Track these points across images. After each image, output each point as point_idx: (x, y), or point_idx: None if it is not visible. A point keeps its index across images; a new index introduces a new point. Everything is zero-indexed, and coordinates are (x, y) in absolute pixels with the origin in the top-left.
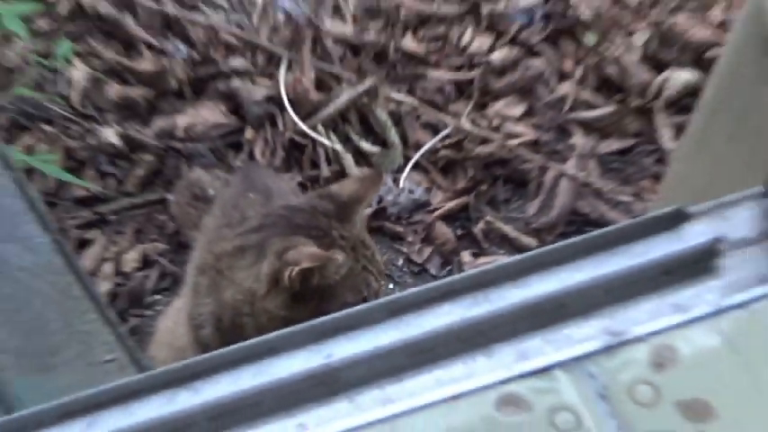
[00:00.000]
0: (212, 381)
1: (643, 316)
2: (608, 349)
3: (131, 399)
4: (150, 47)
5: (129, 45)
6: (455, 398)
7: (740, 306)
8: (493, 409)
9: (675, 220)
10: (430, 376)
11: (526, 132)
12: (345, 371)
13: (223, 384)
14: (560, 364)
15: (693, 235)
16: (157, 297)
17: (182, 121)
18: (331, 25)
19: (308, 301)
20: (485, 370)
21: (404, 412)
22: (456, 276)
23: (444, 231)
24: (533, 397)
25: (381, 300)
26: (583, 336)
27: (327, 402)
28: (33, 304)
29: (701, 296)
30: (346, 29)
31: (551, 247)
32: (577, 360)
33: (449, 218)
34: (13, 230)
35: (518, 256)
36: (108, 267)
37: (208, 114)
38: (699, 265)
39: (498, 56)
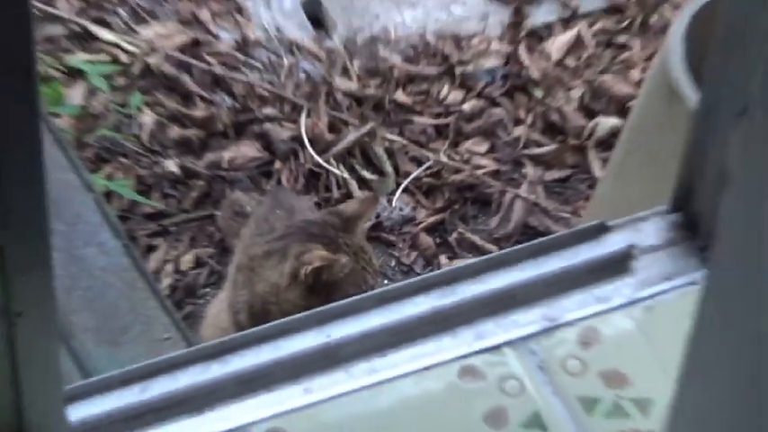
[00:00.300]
0: (238, 355)
1: (573, 305)
2: (545, 331)
3: (176, 369)
4: (202, 98)
5: (186, 97)
6: (426, 369)
7: (649, 298)
8: (456, 378)
9: (599, 231)
10: (407, 352)
11: (489, 164)
12: (342, 347)
13: (247, 357)
14: (508, 343)
15: (612, 243)
16: (206, 290)
17: (226, 155)
18: (340, 82)
19: (320, 293)
20: (449, 347)
21: (387, 380)
22: (429, 274)
23: (426, 240)
24: (487, 369)
25: (370, 292)
26: (526, 321)
27: (327, 372)
28: (107, 294)
29: (618, 290)
30: (352, 85)
31: (503, 252)
32: (522, 340)
33: (430, 230)
34: (92, 238)
35: (476, 259)
36: (169, 267)
37: (246, 150)
38: (617, 265)
39: (468, 106)
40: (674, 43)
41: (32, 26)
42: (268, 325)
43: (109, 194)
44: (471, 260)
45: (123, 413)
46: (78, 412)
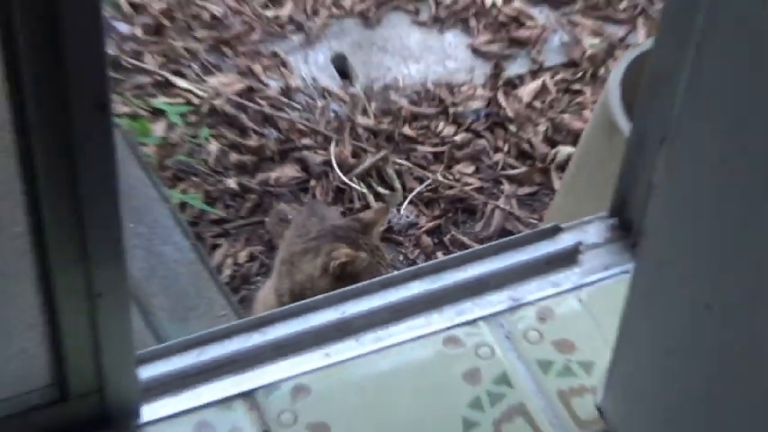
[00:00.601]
0: (274, 327)
1: (533, 289)
2: (511, 309)
3: (225, 337)
4: (255, 132)
5: (243, 131)
6: (419, 338)
7: (592, 283)
8: (441, 346)
9: (554, 231)
10: (404, 325)
11: (475, 182)
12: (354, 321)
13: (280, 329)
14: (482, 318)
15: (564, 240)
16: (257, 278)
17: (273, 175)
18: (361, 120)
19: (344, 282)
20: (437, 321)
21: (389, 346)
22: (422, 264)
23: (426, 240)
24: (466, 338)
25: (376, 279)
26: (496, 301)
27: (342, 340)
28: (178, 282)
29: (568, 277)
30: (369, 122)
31: (479, 247)
32: (493, 316)
33: (429, 232)
34: (168, 238)
35: (459, 253)
36: (229, 261)
37: (288, 171)
38: (567, 258)
39: (458, 138)
40: (613, 87)
41: (110, 80)
42: (297, 303)
43: (183, 205)
44: (455, 254)
45: (183, 372)
46: (148, 371)
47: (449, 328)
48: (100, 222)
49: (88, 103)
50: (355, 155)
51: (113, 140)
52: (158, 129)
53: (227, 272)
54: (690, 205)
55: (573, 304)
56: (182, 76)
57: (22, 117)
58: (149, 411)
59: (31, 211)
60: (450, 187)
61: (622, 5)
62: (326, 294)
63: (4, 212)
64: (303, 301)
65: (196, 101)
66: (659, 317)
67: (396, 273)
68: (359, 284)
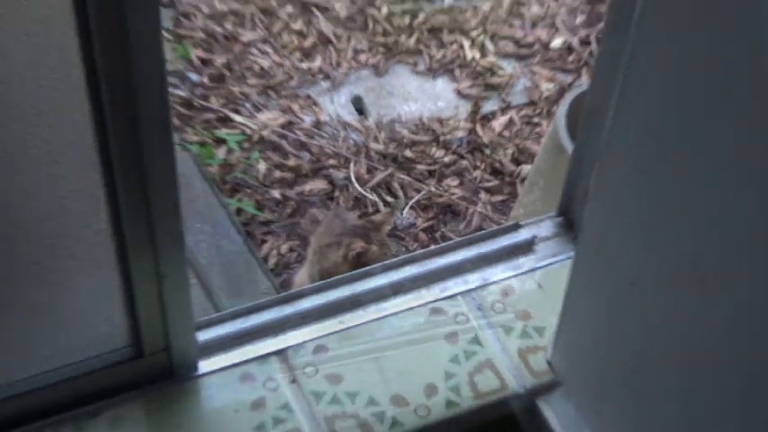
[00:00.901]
0: (301, 301)
1: (499, 272)
2: (482, 287)
3: (263, 309)
4: (293, 155)
5: (284, 154)
6: (412, 308)
7: (544, 267)
8: (428, 315)
9: (515, 227)
10: (400, 299)
11: (459, 192)
12: (362, 296)
13: (305, 302)
14: (460, 294)
15: (523, 234)
16: (295, 265)
17: (307, 187)
18: (373, 145)
19: (359, 268)
20: (425, 296)
21: (388, 315)
22: (415, 252)
23: (423, 236)
24: (447, 309)
25: (379, 264)
26: (471, 280)
27: (353, 311)
28: (234, 267)
29: (526, 263)
30: (380, 147)
31: (459, 239)
32: (468, 291)
33: (425, 230)
34: (226, 235)
35: (444, 243)
36: (273, 252)
37: (318, 185)
38: (525, 248)
39: (447, 159)
40: (560, 118)
41: (170, 106)
42: (319, 283)
43: (238, 210)
44: (440, 245)
45: (230, 336)
46: (205, 335)
47: (434, 302)
48: (163, 222)
49: (155, 123)
50: (369, 172)
51: (174, 154)
52: (220, 153)
53: (272, 260)
54: (616, 207)
55: (529, 283)
56: (238, 113)
57: (103, 134)
58: (205, 365)
59: (112, 212)
60: (441, 196)
61: (570, 59)
62: (342, 276)
63: (91, 213)
64: (324, 281)
65: (249, 132)
66: (593, 292)
67: (393, 260)
68: (367, 268)
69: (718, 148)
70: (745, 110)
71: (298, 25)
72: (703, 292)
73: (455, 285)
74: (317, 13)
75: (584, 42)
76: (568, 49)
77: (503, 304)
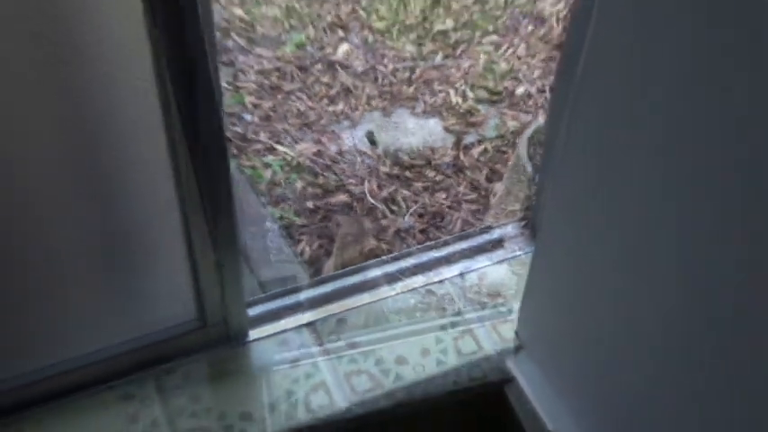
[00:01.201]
0: (327, 284)
1: (477, 263)
2: (463, 274)
3: (298, 291)
4: (322, 176)
5: (315, 175)
6: (410, 290)
7: (512, 258)
8: (422, 295)
9: (488, 229)
10: (402, 283)
11: (446, 203)
12: (374, 281)
13: (330, 286)
14: (447, 279)
15: (495, 234)
16: (324, 258)
17: (333, 199)
18: (382, 168)
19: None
20: (421, 281)
21: (393, 295)
22: (412, 248)
23: (420, 237)
24: (437, 290)
25: (384, 257)
26: (456, 269)
27: (367, 292)
28: (276, 258)
29: (498, 255)
30: (387, 169)
31: (446, 238)
32: (453, 277)
33: (421, 232)
34: (271, 236)
35: (434, 241)
36: (307, 248)
37: (341, 198)
38: (497, 244)
39: (437, 178)
40: (522, 146)
41: (224, 132)
42: (339, 271)
43: (281, 217)
44: (432, 242)
45: (273, 311)
46: (254, 311)
47: (427, 285)
48: (223, 224)
49: (214, 143)
50: (379, 188)
51: (230, 176)
52: (267, 174)
53: (305, 255)
54: (567, 215)
55: (501, 271)
56: (281, 144)
57: (174, 152)
58: (254, 334)
59: (182, 213)
60: (433, 206)
61: (530, 103)
62: (358, 265)
63: (170, 220)
64: (344, 269)
65: (289, 158)
66: (549, 278)
67: (397, 253)
68: (377, 259)
69: (641, 169)
70: (657, 140)
71: (326, 78)
72: (633, 276)
73: (443, 272)
74: (340, 69)
75: (541, 90)
76: (528, 95)
77: (479, 287)
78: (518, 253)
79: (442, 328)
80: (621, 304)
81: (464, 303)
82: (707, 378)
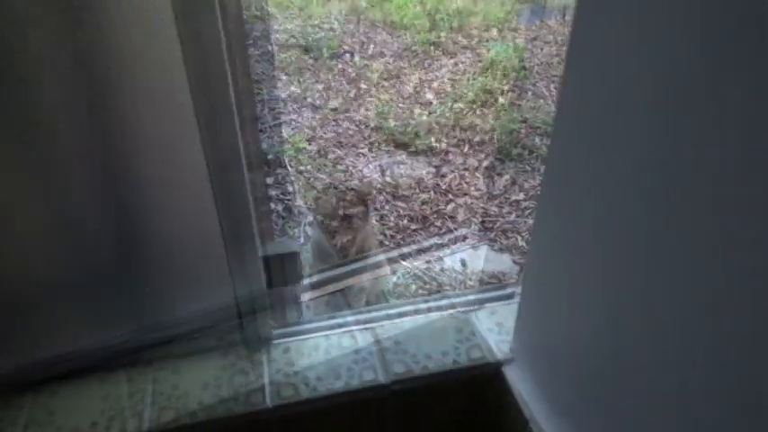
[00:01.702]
0: (351, 264)
1: (451, 251)
2: (448, 256)
3: (333, 269)
4: (336, 187)
5: (344, 192)
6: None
7: (465, 250)
8: (421, 273)
9: (456, 230)
10: (406, 263)
11: (430, 212)
12: (384, 261)
13: (354, 265)
14: (435, 260)
15: (461, 232)
16: (351, 248)
17: (351, 211)
18: (387, 189)
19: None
20: (418, 265)
21: (400, 271)
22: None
23: (417, 234)
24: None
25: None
26: (441, 255)
27: (378, 269)
28: (317, 249)
29: (461, 248)
30: (392, 189)
31: (432, 235)
32: (442, 257)
33: (415, 230)
34: (314, 231)
35: (425, 237)
36: (339, 242)
37: (360, 208)
38: (461, 239)
39: (425, 197)
40: None
41: (242, 162)
42: (358, 255)
43: (322, 221)
44: (423, 237)
45: (316, 282)
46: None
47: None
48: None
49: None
50: (387, 202)
51: (245, 184)
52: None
53: (338, 245)
54: (548, 228)
55: (469, 256)
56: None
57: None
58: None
59: (220, 220)
60: (422, 213)
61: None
62: (374, 250)
63: (211, 228)
64: (361, 254)
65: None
66: (539, 297)
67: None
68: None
69: (631, 177)
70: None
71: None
72: (619, 288)
73: (432, 257)
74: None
75: None
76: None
77: (463, 267)
78: (473, 243)
79: (440, 308)
80: (614, 301)
81: (455, 286)
82: (699, 380)
